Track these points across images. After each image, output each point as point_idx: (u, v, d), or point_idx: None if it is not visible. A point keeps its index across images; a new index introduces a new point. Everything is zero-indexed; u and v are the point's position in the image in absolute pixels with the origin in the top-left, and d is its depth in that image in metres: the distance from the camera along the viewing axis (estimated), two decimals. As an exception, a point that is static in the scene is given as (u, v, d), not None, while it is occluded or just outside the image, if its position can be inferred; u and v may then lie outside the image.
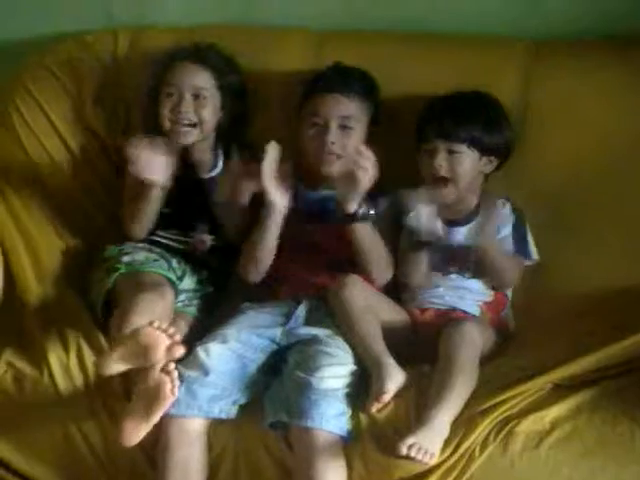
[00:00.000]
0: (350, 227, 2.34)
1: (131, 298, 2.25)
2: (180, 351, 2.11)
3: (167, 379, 2.08)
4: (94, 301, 2.43)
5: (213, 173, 2.59)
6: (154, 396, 2.08)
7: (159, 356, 2.10)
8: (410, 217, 2.36)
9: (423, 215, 2.34)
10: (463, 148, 2.37)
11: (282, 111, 2.61)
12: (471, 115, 2.39)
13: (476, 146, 2.38)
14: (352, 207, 2.32)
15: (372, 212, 2.34)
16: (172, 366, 2.09)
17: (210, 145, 2.59)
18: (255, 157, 2.54)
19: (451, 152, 2.37)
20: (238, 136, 2.62)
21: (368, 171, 2.29)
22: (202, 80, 2.51)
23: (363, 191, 2.31)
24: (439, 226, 2.35)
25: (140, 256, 2.47)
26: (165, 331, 2.09)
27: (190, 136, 2.52)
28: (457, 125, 2.36)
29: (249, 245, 2.43)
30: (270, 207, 2.36)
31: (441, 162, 2.37)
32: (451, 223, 2.43)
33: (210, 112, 2.52)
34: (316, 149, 2.44)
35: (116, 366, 2.12)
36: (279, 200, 2.36)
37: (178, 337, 2.11)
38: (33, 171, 2.65)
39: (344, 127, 2.44)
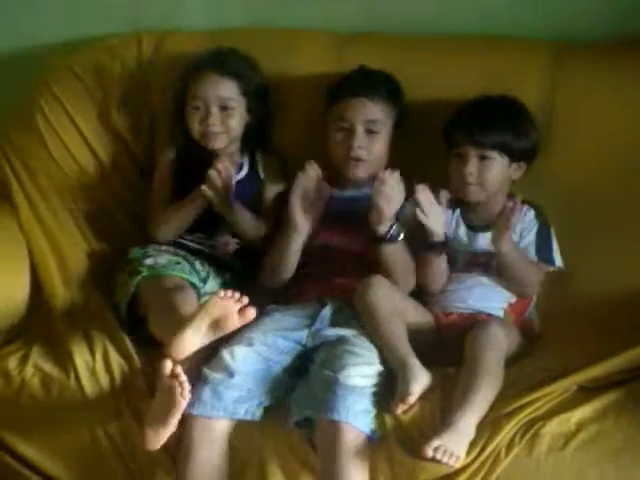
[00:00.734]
0: (378, 247, 2.36)
1: (159, 301, 2.27)
2: (252, 313, 2.13)
3: (176, 383, 2.08)
4: (118, 303, 2.44)
5: (239, 177, 2.60)
6: (167, 401, 2.09)
7: (234, 323, 2.13)
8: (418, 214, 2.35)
9: (429, 213, 2.34)
10: (494, 154, 2.37)
11: (304, 113, 2.63)
12: (501, 121, 2.38)
13: (506, 152, 2.38)
14: (382, 229, 2.34)
15: (402, 234, 2.36)
16: (179, 369, 2.09)
17: (236, 149, 2.61)
18: (280, 160, 2.61)
19: (482, 158, 2.37)
20: (263, 138, 2.64)
21: (389, 198, 2.31)
22: (227, 90, 2.53)
23: (390, 215, 2.33)
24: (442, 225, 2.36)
25: (163, 259, 2.47)
26: (232, 297, 2.11)
27: (220, 141, 2.55)
28: (488, 131, 2.36)
29: (270, 260, 2.46)
30: (292, 227, 2.39)
31: (471, 169, 2.37)
32: (476, 228, 2.44)
33: (237, 120, 2.55)
34: (343, 153, 2.46)
35: (190, 345, 2.13)
36: (302, 223, 2.38)
37: (246, 299, 2.13)
38: (58, 174, 2.67)
39: (370, 131, 2.45)
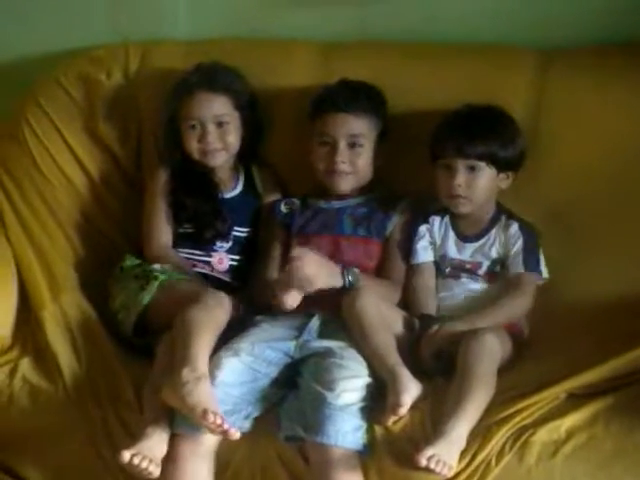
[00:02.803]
0: (349, 293, 2.32)
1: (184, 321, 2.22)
2: (235, 436, 2.07)
3: (139, 470, 2.08)
4: (126, 310, 2.41)
5: (235, 192, 2.62)
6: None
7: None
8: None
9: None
10: (482, 165, 2.37)
11: (291, 124, 2.62)
12: (488, 131, 2.38)
13: (494, 163, 2.38)
14: (338, 283, 2.33)
15: (356, 272, 2.34)
16: (137, 459, 2.06)
17: (231, 164, 2.62)
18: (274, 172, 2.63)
19: (470, 170, 2.37)
20: (255, 150, 2.64)
21: (302, 268, 2.28)
22: (221, 107, 2.53)
23: (323, 282, 2.30)
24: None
25: (167, 267, 2.46)
26: (219, 426, 2.05)
27: (220, 157, 2.55)
28: (475, 142, 2.36)
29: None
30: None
31: (460, 181, 2.37)
32: (466, 238, 2.45)
33: (234, 135, 2.55)
34: (326, 168, 2.47)
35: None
36: (288, 306, 2.32)
37: (233, 432, 2.06)
38: (46, 186, 2.66)
39: (353, 145, 2.45)
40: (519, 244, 2.40)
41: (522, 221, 2.43)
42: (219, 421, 2.04)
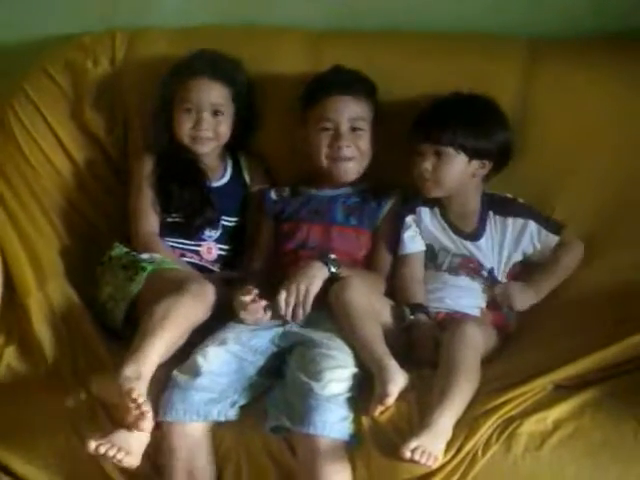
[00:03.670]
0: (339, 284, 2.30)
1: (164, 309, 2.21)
2: (147, 425, 2.06)
3: (108, 458, 2.06)
4: (109, 300, 2.41)
5: (222, 181, 2.61)
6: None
7: (128, 422, 2.07)
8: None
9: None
10: (450, 151, 2.38)
11: (282, 113, 2.61)
12: (458, 119, 2.38)
13: (463, 149, 2.38)
14: (325, 273, 2.31)
15: (333, 257, 2.33)
16: (102, 449, 2.04)
17: (219, 152, 2.61)
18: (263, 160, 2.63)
19: (437, 155, 2.38)
20: (245, 140, 2.63)
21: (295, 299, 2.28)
22: (219, 96, 2.53)
23: (307, 289, 2.28)
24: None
25: (156, 256, 2.45)
26: (134, 401, 2.04)
27: (209, 146, 2.55)
28: (442, 129, 2.37)
29: None
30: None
31: (427, 165, 2.38)
32: (464, 234, 2.45)
33: (227, 125, 2.55)
34: (330, 155, 2.45)
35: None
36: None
37: (146, 410, 2.05)
38: (31, 174, 2.65)
39: (354, 129, 2.45)
40: (530, 223, 2.42)
41: (515, 203, 2.45)
42: (145, 408, 2.03)
